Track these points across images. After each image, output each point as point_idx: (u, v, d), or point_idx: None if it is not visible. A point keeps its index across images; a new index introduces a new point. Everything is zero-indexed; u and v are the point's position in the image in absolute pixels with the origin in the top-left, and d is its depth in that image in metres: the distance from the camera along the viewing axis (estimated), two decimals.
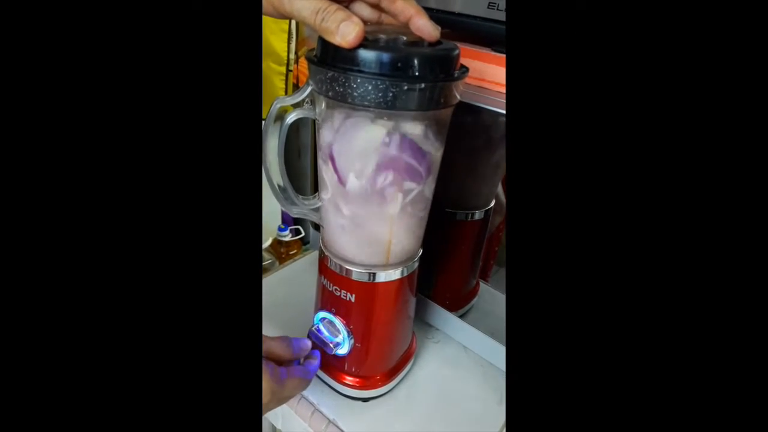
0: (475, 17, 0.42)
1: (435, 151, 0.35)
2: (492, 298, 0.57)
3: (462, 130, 0.46)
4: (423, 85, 0.29)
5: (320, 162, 0.36)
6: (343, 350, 0.41)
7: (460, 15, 0.42)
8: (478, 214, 0.50)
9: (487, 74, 0.41)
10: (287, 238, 1.10)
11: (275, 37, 0.98)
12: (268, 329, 0.49)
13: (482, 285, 0.57)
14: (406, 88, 0.29)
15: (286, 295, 0.56)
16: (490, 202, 0.50)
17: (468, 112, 0.45)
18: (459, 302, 0.54)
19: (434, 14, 0.45)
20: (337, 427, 0.41)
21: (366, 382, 0.43)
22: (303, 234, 1.13)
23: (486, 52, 0.40)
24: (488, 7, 0.41)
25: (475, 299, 0.57)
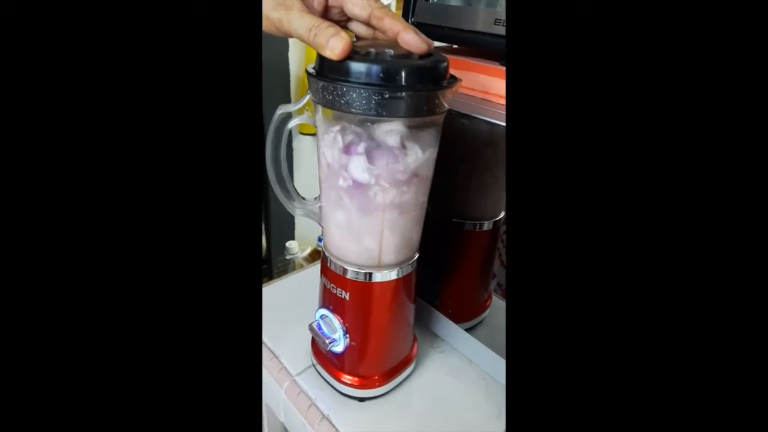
0: (482, 33, 0.43)
1: (423, 157, 0.36)
2: (504, 312, 0.56)
3: (467, 141, 0.47)
4: (402, 94, 0.31)
5: (318, 165, 0.39)
6: (338, 347, 0.42)
7: (468, 32, 0.44)
8: (486, 225, 0.50)
9: (492, 87, 0.42)
10: None
11: None
12: (292, 319, 0.53)
13: (495, 299, 0.57)
14: (387, 96, 0.31)
15: (310, 290, 0.58)
16: (499, 213, 0.50)
17: (473, 124, 0.46)
18: (468, 314, 0.54)
19: (446, 31, 0.47)
20: (331, 423, 0.43)
21: (363, 382, 0.44)
22: None
23: (492, 66, 0.42)
24: (494, 24, 0.43)
25: (487, 313, 0.56)
